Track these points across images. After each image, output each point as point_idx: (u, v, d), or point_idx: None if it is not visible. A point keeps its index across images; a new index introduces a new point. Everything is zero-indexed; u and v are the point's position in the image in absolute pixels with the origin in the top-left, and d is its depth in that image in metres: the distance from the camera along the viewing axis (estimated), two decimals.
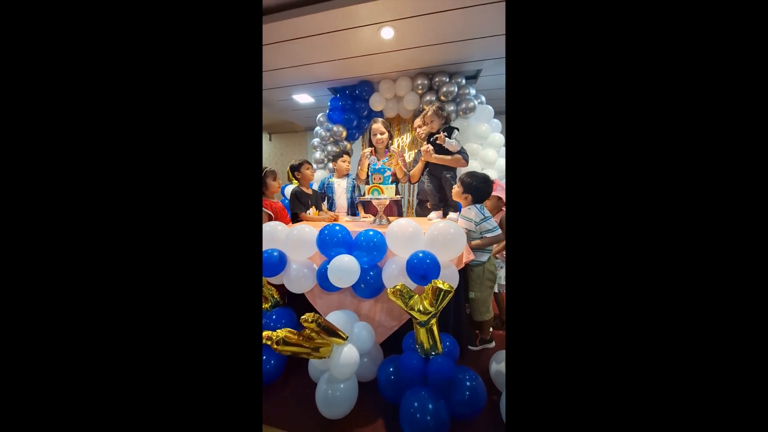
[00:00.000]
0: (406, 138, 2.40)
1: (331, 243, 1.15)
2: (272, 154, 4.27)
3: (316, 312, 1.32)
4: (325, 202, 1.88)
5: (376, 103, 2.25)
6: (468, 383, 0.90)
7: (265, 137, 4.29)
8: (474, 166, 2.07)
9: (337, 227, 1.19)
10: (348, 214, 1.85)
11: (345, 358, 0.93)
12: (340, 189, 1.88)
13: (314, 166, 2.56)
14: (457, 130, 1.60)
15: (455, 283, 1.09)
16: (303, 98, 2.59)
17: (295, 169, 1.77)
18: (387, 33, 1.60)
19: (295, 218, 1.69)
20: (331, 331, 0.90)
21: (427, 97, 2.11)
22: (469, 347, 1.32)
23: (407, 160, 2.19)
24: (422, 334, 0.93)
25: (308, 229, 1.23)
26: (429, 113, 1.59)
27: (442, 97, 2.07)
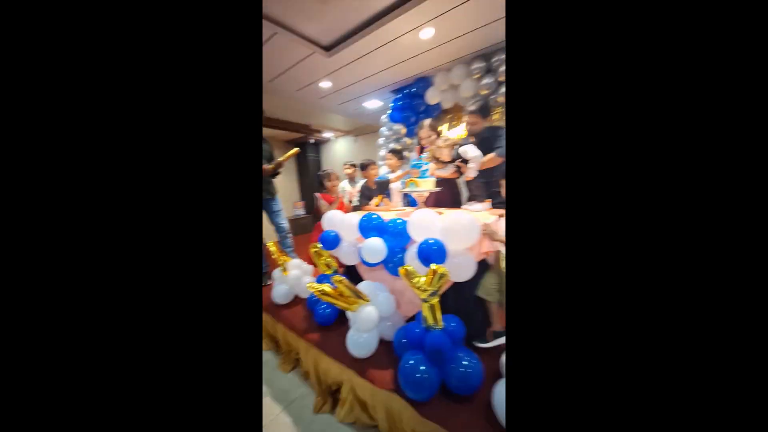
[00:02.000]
0: (461, 129, 2.34)
1: (368, 228, 1.45)
2: (359, 153, 5.03)
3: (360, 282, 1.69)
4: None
5: (431, 97, 2.32)
6: (465, 361, 0.99)
7: (352, 139, 5.08)
8: None
9: (374, 216, 1.47)
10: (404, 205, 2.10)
11: (365, 315, 1.22)
12: (397, 186, 2.13)
13: (381, 162, 2.93)
14: (472, 144, 1.50)
15: (470, 273, 1.15)
16: (372, 104, 2.97)
17: (363, 168, 2.17)
18: (427, 33, 1.67)
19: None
20: (354, 292, 1.21)
21: (485, 80, 1.99)
22: (479, 345, 1.23)
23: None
24: (425, 308, 1.09)
25: (354, 216, 1.57)
26: (467, 116, 1.58)
27: (501, 78, 1.90)
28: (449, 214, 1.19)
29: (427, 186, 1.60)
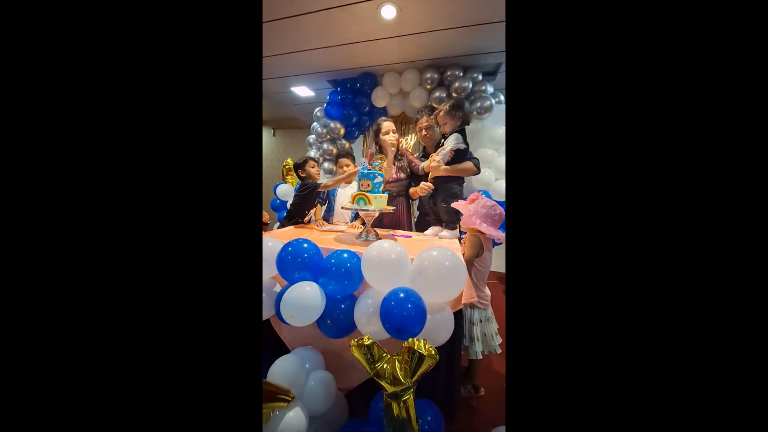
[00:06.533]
0: (411, 139, 2.14)
1: (293, 265, 0.91)
2: (275, 150, 4.14)
3: (281, 342, 1.11)
4: (325, 207, 1.66)
5: (378, 98, 2.01)
6: None
7: (269, 132, 4.16)
8: (487, 175, 1.79)
9: (305, 244, 0.95)
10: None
11: (287, 427, 0.69)
12: (344, 195, 1.63)
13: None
14: (461, 135, 1.29)
15: (449, 331, 0.82)
16: (302, 91, 2.40)
17: (299, 167, 1.55)
18: (388, 12, 1.35)
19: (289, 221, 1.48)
20: (269, 396, 0.66)
21: (437, 94, 1.85)
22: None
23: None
24: (394, 408, 0.67)
25: (271, 243, 1.00)
26: (441, 113, 1.28)
27: (454, 94, 1.80)
28: (427, 250, 0.83)
29: (379, 204, 1.22)
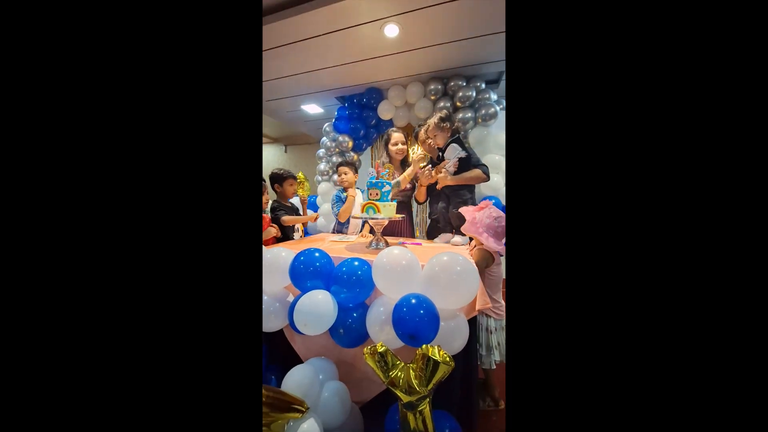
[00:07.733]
0: (418, 149, 2.17)
1: (305, 273, 0.93)
2: (287, 165, 4.29)
3: (294, 353, 1.11)
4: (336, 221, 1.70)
5: (384, 111, 2.07)
6: None
7: (281, 149, 4.34)
8: (496, 181, 1.78)
9: (317, 253, 0.97)
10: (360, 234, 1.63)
11: None
12: (356, 205, 1.67)
13: (319, 177, 2.44)
14: (457, 144, 1.30)
15: (464, 339, 0.80)
16: (312, 108, 2.51)
17: (275, 181, 1.60)
18: (391, 31, 1.42)
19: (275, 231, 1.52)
20: (284, 405, 0.66)
21: (441, 103, 1.89)
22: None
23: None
24: (410, 419, 0.66)
25: (284, 254, 1.02)
26: (431, 127, 1.32)
27: (458, 103, 1.84)
28: (437, 255, 0.83)
29: (388, 212, 1.23)
